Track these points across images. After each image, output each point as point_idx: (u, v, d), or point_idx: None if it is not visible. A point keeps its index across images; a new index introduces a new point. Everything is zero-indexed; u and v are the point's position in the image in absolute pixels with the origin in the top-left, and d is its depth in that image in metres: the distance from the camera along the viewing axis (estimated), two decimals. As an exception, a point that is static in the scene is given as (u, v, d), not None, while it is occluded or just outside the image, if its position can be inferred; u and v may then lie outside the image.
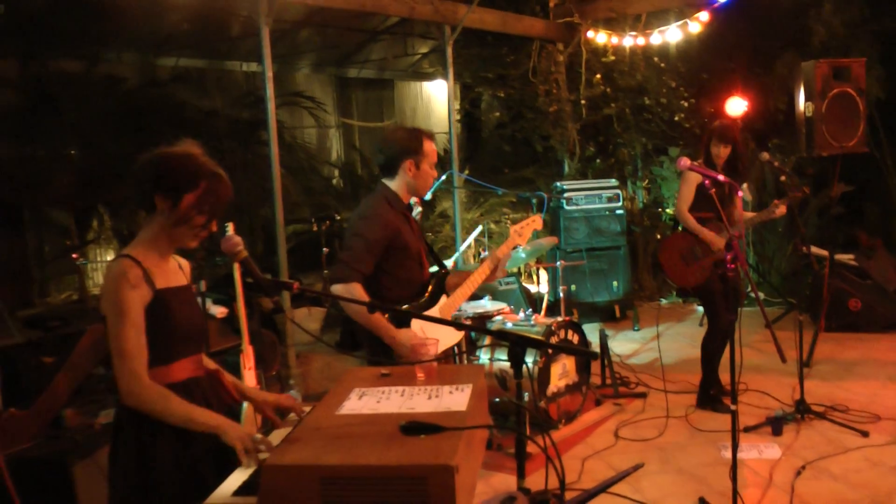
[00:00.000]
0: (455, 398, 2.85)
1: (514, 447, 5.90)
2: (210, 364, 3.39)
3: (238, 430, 2.87)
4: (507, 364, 6.07)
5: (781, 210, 6.59)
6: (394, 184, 4.62)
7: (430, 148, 4.62)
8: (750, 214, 6.83)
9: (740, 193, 5.86)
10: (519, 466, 2.71)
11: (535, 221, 5.27)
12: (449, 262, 6.87)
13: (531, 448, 4.88)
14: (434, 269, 4.91)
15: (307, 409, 3.17)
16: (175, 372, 3.05)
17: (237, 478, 2.76)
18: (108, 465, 3.10)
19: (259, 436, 2.87)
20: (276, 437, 2.98)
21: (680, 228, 6.79)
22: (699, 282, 6.65)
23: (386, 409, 2.80)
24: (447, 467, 2.27)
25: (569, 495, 2.15)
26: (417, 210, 6.46)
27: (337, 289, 4.39)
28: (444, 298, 4.78)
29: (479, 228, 7.42)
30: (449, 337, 4.77)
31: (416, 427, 2.42)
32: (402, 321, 4.48)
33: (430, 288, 4.73)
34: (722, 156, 6.59)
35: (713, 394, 6.94)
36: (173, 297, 3.05)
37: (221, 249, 3.11)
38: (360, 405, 2.85)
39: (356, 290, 4.37)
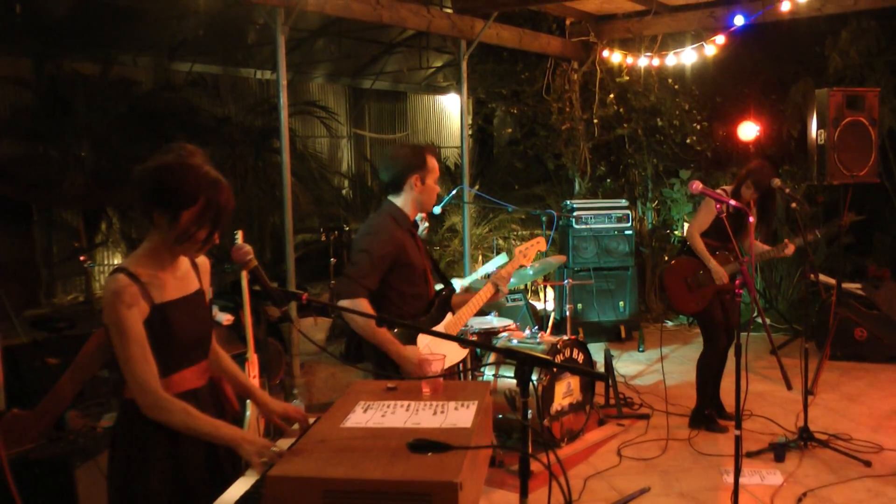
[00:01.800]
0: (461, 414, 2.85)
1: (516, 464, 5.89)
2: (222, 360, 3.37)
3: (254, 444, 2.85)
4: (514, 381, 6.07)
5: (790, 250, 6.63)
6: (400, 200, 4.65)
7: (433, 163, 4.66)
8: (762, 247, 6.82)
9: (751, 219, 5.86)
10: (522, 484, 2.69)
11: (540, 243, 5.31)
12: (464, 283, 6.86)
13: (533, 466, 4.87)
14: (439, 286, 4.92)
15: (312, 420, 3.17)
16: (173, 384, 2.99)
17: (239, 488, 2.75)
18: (107, 469, 3.08)
19: (275, 448, 2.85)
20: (283, 445, 2.98)
21: (685, 254, 6.80)
22: (696, 310, 6.72)
23: (391, 423, 2.80)
24: (452, 484, 2.26)
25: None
26: (424, 225, 6.45)
27: (343, 304, 4.39)
28: (449, 316, 4.80)
29: (501, 259, 7.37)
30: (454, 354, 4.78)
31: (423, 445, 2.41)
32: (409, 338, 4.49)
33: (435, 305, 4.75)
34: (746, 197, 6.60)
35: (707, 414, 6.94)
36: (173, 310, 2.98)
37: (232, 258, 3.10)
38: (365, 418, 2.85)
39: (362, 306, 4.38)
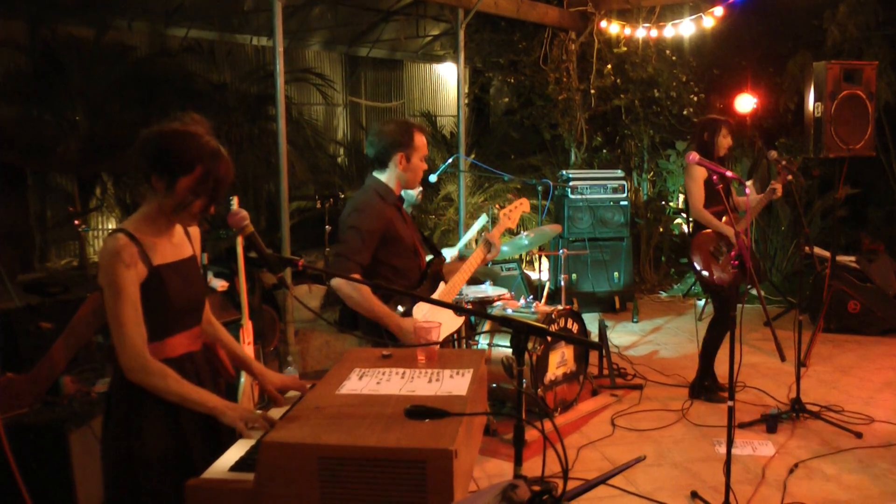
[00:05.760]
0: (456, 382, 2.85)
1: (510, 433, 5.90)
2: (218, 331, 3.37)
3: (237, 410, 2.85)
4: (509, 350, 6.08)
5: (779, 190, 6.57)
6: (384, 176, 4.63)
7: (420, 142, 4.63)
8: (754, 197, 6.77)
9: (747, 191, 5.85)
10: (517, 453, 2.70)
11: (523, 204, 5.30)
12: (452, 251, 6.85)
13: (527, 435, 4.88)
14: (430, 257, 4.91)
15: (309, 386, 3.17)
16: (169, 348, 3.00)
17: (234, 453, 2.75)
18: (101, 433, 3.07)
19: (259, 412, 2.85)
20: (275, 414, 2.98)
21: (698, 232, 6.75)
22: (732, 277, 6.58)
23: (386, 390, 2.80)
24: (447, 451, 2.27)
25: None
26: (418, 189, 6.43)
27: (338, 282, 4.38)
28: (442, 285, 4.79)
29: (483, 220, 7.38)
30: (450, 323, 4.78)
31: (420, 411, 2.41)
32: (406, 310, 4.49)
33: (427, 276, 4.74)
34: (724, 147, 6.62)
35: (707, 385, 6.96)
36: (170, 274, 2.98)
37: (227, 223, 3.08)
38: (360, 385, 2.86)
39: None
